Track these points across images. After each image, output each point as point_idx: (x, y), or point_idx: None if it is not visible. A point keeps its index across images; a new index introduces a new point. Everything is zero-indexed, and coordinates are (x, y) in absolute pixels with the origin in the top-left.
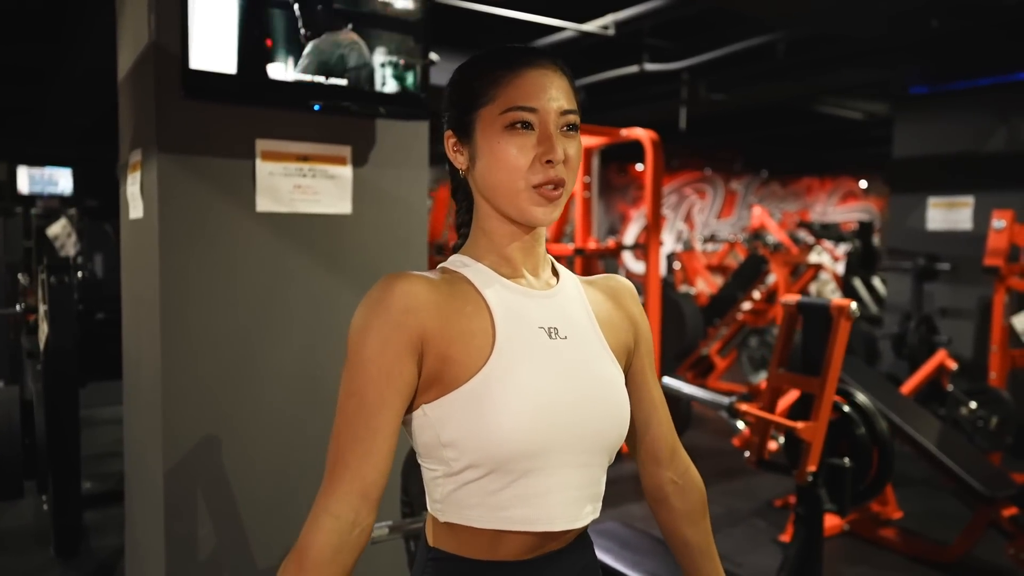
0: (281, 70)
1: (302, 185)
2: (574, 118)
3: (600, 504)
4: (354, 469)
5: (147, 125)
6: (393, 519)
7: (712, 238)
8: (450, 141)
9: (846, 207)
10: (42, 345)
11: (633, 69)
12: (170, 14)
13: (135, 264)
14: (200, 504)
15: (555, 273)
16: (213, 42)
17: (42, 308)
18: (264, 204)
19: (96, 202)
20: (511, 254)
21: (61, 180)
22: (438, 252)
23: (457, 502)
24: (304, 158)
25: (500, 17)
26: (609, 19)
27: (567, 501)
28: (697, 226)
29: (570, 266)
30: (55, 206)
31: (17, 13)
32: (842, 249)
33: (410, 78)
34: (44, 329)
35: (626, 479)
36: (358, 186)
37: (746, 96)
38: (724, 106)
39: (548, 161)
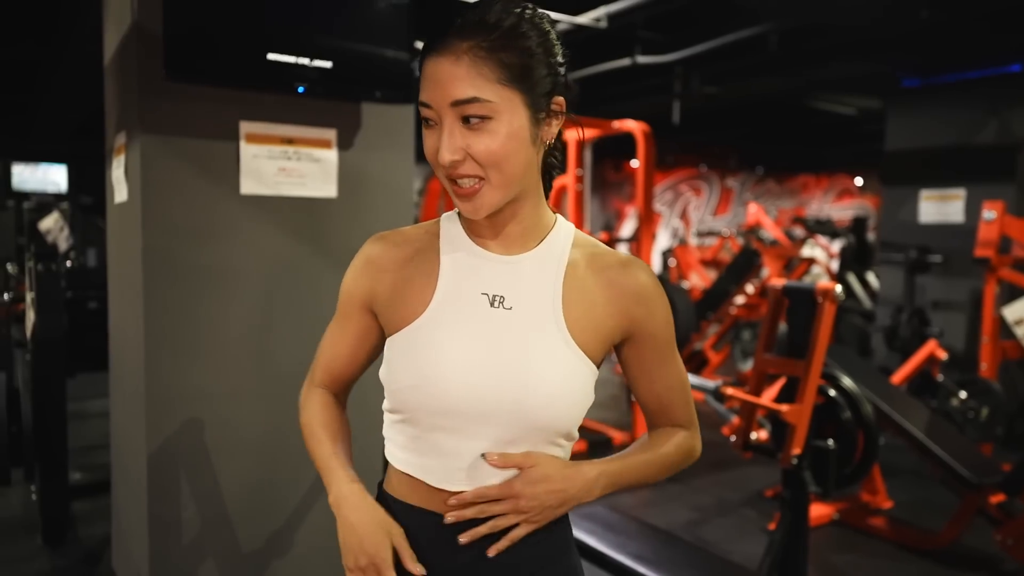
0: (266, 51)
1: (287, 168)
2: (475, 108)
3: None
4: (324, 363)
5: (131, 108)
6: None
7: (708, 233)
8: None
9: (842, 204)
10: (29, 333)
11: (625, 62)
12: None
13: (120, 248)
14: (183, 487)
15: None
16: (197, 22)
17: (29, 296)
18: (248, 186)
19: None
20: (478, 224)
21: (55, 177)
22: None
23: (390, 438)
24: (289, 141)
25: None
26: (602, 11)
27: (475, 467)
28: (693, 223)
29: None
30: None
31: (10, 9)
32: (837, 245)
33: (396, 64)
34: (31, 317)
35: None
36: (343, 170)
37: (739, 89)
38: (718, 99)
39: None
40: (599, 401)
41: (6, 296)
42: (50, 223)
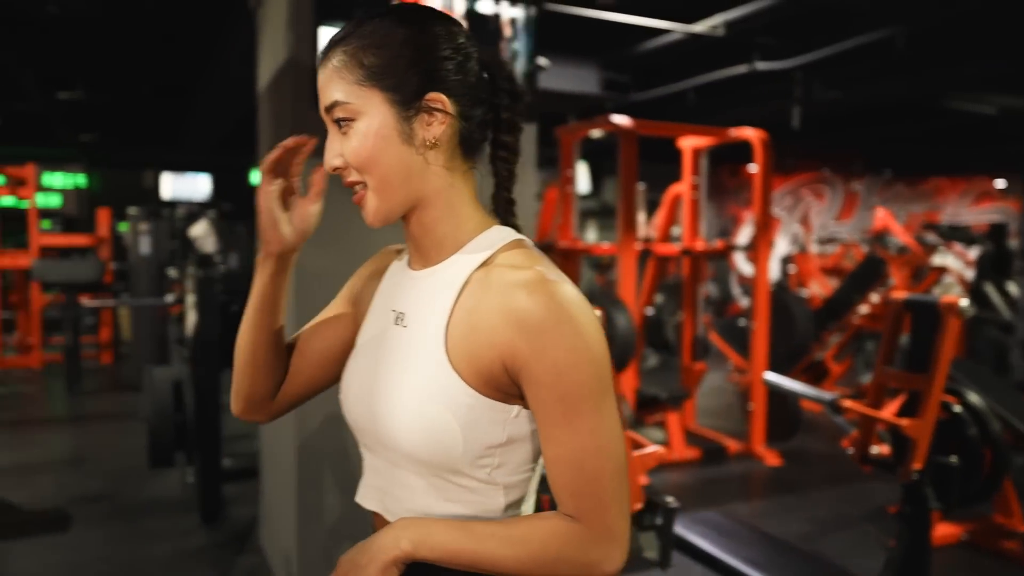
0: None
1: None
2: (338, 111)
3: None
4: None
5: (283, 132)
6: None
7: (830, 240)
8: None
9: (980, 208)
10: (189, 332)
11: (743, 69)
12: (305, 31)
13: None
14: (327, 477)
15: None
16: None
17: (190, 299)
18: None
19: (231, 205)
20: (407, 238)
21: (200, 185)
22: (545, 251)
23: None
24: None
25: (606, 21)
26: (719, 19)
27: (371, 486)
28: (814, 228)
29: (677, 267)
30: (196, 210)
31: (167, 35)
32: (974, 252)
33: (519, 75)
34: (191, 318)
35: (732, 479)
36: None
37: (864, 93)
38: (840, 104)
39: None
40: (713, 409)
41: (169, 298)
42: (200, 230)
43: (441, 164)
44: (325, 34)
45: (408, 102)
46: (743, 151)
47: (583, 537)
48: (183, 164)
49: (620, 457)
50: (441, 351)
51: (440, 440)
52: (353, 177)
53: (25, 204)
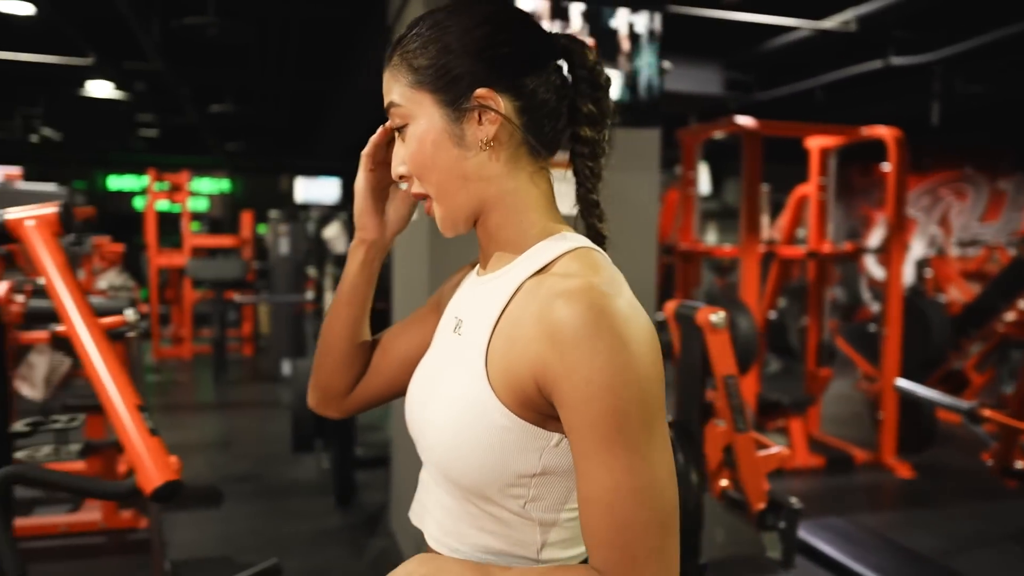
0: None
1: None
2: (394, 111)
3: (465, 548)
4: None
5: None
6: None
7: (972, 242)
8: None
9: None
10: None
11: (876, 65)
12: None
13: (405, 250)
14: None
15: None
16: None
17: (328, 296)
18: None
19: None
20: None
21: (330, 189)
22: (665, 252)
23: None
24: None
25: (730, 21)
26: (850, 14)
27: (418, 501)
28: (955, 230)
29: (803, 270)
30: (327, 212)
31: (307, 50)
32: None
33: (643, 86)
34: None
35: (859, 488)
36: None
37: (1013, 86)
38: (985, 98)
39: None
40: (839, 417)
41: (308, 295)
42: (333, 231)
43: (504, 165)
44: None
45: (455, 102)
46: (875, 149)
47: None
48: (315, 169)
49: (663, 505)
50: (480, 364)
51: (467, 460)
52: (418, 189)
53: (178, 208)
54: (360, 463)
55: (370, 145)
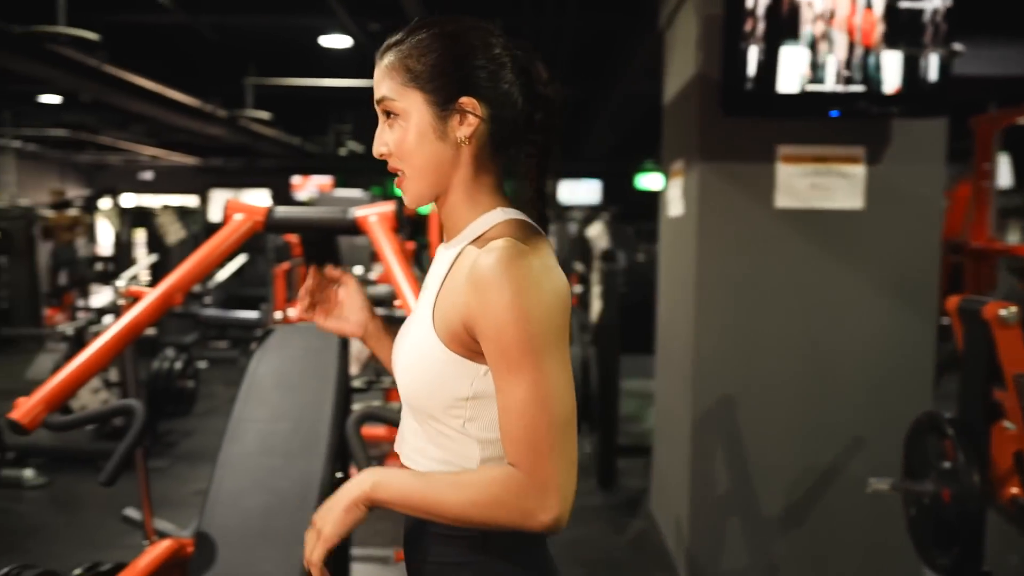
0: (803, 83)
1: (817, 183)
2: (387, 104)
3: (422, 459)
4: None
5: (690, 139)
6: (895, 477)
7: None
8: None
9: None
10: (593, 319)
11: None
12: (713, 50)
13: (673, 254)
14: (719, 450)
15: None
16: (749, 69)
17: (595, 289)
18: (783, 201)
19: (619, 207)
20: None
21: (590, 191)
22: (953, 251)
23: None
24: (819, 159)
25: None
26: None
27: (399, 431)
28: None
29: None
30: (589, 213)
31: (576, 57)
32: None
33: (929, 73)
34: (596, 306)
35: None
36: (871, 183)
37: None
38: None
39: None
40: None
41: (576, 288)
42: (596, 230)
43: (470, 158)
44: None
45: (444, 104)
46: None
47: (520, 484)
48: (579, 172)
49: (562, 411)
50: (429, 315)
51: (419, 388)
52: (395, 164)
53: None
54: (622, 450)
55: (303, 293)
